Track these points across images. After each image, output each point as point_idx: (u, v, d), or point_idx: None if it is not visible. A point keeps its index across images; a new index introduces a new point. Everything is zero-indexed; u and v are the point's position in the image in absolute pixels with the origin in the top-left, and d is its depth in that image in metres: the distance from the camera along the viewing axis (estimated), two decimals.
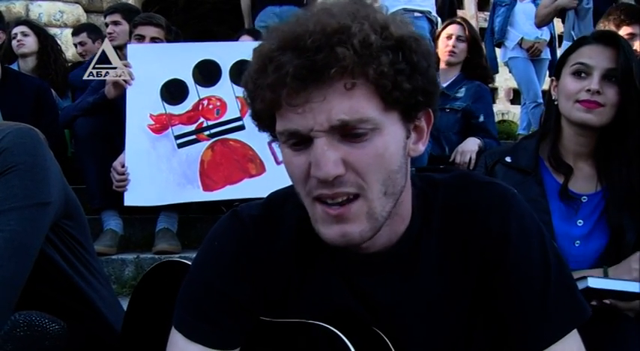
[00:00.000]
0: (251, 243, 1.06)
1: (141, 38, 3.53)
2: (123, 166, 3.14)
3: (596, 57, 1.69)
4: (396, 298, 1.05)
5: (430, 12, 4.08)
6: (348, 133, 0.88)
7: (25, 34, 4.42)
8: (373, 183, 0.91)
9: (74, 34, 5.38)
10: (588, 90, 1.67)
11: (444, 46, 3.65)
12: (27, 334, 1.18)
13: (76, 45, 5.26)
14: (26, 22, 4.69)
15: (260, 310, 1.07)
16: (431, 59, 0.94)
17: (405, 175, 0.97)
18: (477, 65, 3.67)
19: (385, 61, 0.86)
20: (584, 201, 1.74)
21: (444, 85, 3.54)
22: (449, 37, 3.64)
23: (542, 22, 4.70)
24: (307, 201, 0.95)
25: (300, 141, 0.91)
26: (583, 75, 1.70)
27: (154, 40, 3.52)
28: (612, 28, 2.78)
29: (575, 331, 1.03)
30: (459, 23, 3.71)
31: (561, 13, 4.39)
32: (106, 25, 4.40)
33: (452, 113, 3.49)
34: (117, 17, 4.28)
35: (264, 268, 1.06)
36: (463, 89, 3.56)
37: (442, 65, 3.66)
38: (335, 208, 0.91)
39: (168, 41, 3.57)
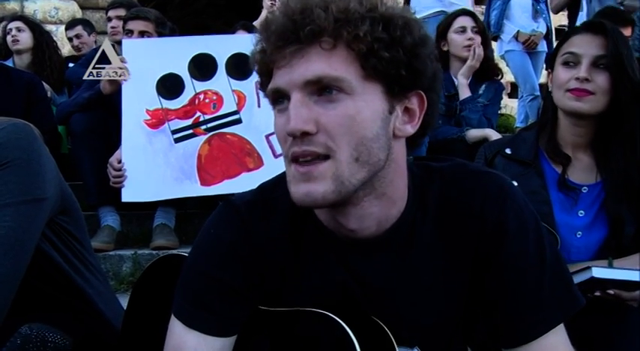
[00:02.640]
0: (246, 229, 1.07)
1: (130, 33, 3.51)
2: (119, 162, 3.12)
3: (584, 45, 1.71)
4: (391, 281, 1.06)
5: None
6: (322, 92, 0.93)
7: (19, 30, 4.39)
8: (343, 145, 0.92)
9: (68, 28, 5.35)
10: (577, 78, 1.68)
11: (460, 41, 3.32)
12: (39, 350, 1.17)
13: (71, 38, 5.23)
14: (21, 17, 4.65)
15: (257, 297, 1.08)
16: (423, 40, 0.97)
17: (386, 150, 0.98)
18: (486, 59, 3.36)
19: (362, 28, 0.91)
20: (584, 191, 1.73)
21: (465, 81, 3.30)
22: (462, 31, 3.33)
23: (558, 8, 4.68)
24: (286, 163, 0.97)
25: (282, 99, 0.96)
26: (572, 64, 1.72)
27: (142, 33, 3.49)
28: None
29: (561, 326, 1.04)
30: (467, 14, 3.43)
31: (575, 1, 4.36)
32: (109, 19, 4.35)
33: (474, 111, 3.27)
34: (122, 12, 4.23)
35: (261, 253, 1.07)
36: (483, 86, 3.38)
37: (456, 63, 3.37)
38: (303, 167, 0.94)
39: (160, 34, 3.54)
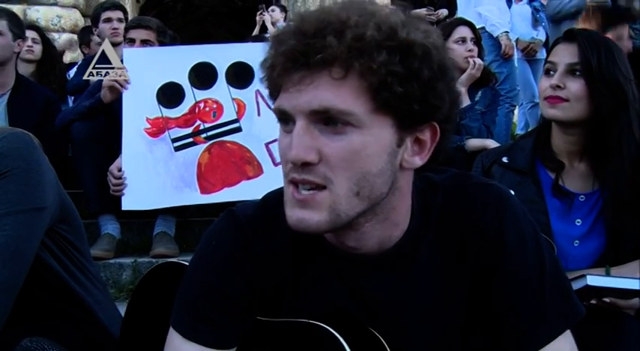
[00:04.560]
0: (247, 242, 1.06)
1: (132, 42, 3.52)
2: (119, 170, 3.13)
3: (559, 54, 1.74)
4: (393, 297, 1.05)
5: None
6: (328, 123, 0.90)
7: (35, 41, 4.41)
8: (343, 179, 0.91)
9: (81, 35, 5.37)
10: (551, 86, 1.71)
11: (460, 52, 3.28)
12: None
13: (81, 46, 5.20)
14: (37, 28, 4.67)
15: (257, 310, 1.07)
16: (443, 72, 0.93)
17: (389, 184, 0.95)
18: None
19: (377, 59, 0.86)
20: (581, 200, 1.74)
21: (463, 90, 3.27)
22: (462, 41, 3.32)
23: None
24: (285, 183, 0.96)
25: (288, 121, 0.93)
26: (551, 73, 1.74)
27: (144, 42, 3.50)
28: (595, 29, 2.80)
29: (568, 331, 1.04)
30: (466, 24, 3.42)
31: None
32: (109, 20, 4.28)
33: (474, 120, 3.27)
34: (121, 14, 4.26)
35: (261, 267, 1.06)
36: (479, 93, 3.37)
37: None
38: (301, 193, 0.92)
39: (162, 43, 3.56)
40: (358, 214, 0.94)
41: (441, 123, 0.96)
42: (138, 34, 3.52)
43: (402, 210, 1.03)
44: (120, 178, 3.11)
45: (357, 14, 0.89)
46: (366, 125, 0.89)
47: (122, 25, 4.14)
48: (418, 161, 0.98)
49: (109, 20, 4.25)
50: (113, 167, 3.14)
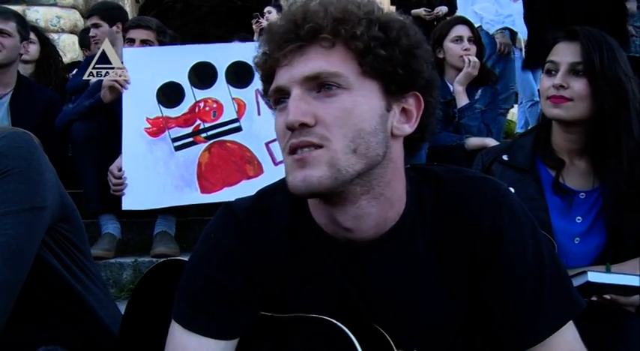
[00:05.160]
0: (245, 233, 1.08)
1: (131, 42, 3.52)
2: (120, 170, 3.13)
3: (561, 53, 1.74)
4: (389, 286, 1.06)
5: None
6: (320, 89, 0.97)
7: (31, 41, 4.41)
8: (339, 137, 0.95)
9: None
10: (554, 85, 1.70)
11: (456, 51, 3.32)
12: None
13: (82, 48, 5.22)
14: (34, 28, 4.67)
15: (258, 302, 1.09)
16: (419, 43, 1.01)
17: (384, 147, 1.00)
18: (480, 65, 3.35)
19: (359, 27, 0.96)
20: (582, 197, 1.74)
21: (461, 89, 3.29)
22: (459, 40, 3.33)
23: None
24: (285, 157, 1.00)
25: (283, 98, 1.00)
26: (553, 72, 1.74)
27: (144, 42, 3.50)
28: None
29: (571, 323, 1.05)
30: (464, 23, 3.44)
31: None
32: (91, 27, 4.33)
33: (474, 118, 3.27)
34: (95, 19, 4.24)
35: (260, 258, 1.08)
36: (479, 92, 3.38)
37: (451, 71, 3.36)
38: (299, 154, 0.96)
39: (161, 43, 3.55)
40: (357, 173, 0.97)
41: (423, 93, 1.02)
42: (137, 34, 3.52)
43: (397, 187, 1.05)
44: (120, 177, 3.11)
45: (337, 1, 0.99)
46: (355, 87, 0.97)
47: (99, 30, 4.15)
48: (408, 129, 1.04)
49: (92, 26, 4.29)
50: (113, 167, 3.14)
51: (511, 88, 5.25)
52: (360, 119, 0.96)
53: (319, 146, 0.95)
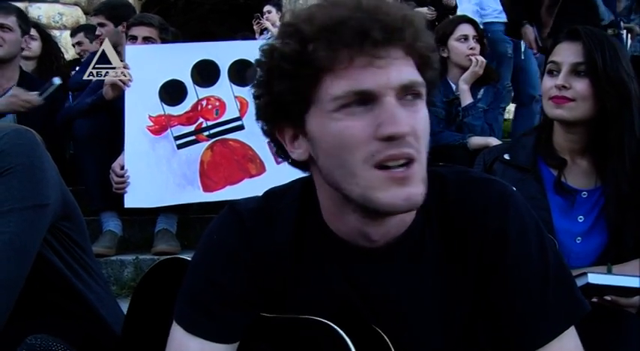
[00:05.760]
0: (249, 235, 1.07)
1: (134, 39, 3.52)
2: (122, 168, 3.14)
3: (563, 53, 1.73)
4: (395, 291, 1.05)
5: None
6: (408, 95, 0.93)
7: (33, 38, 4.41)
8: (423, 148, 0.94)
9: (72, 34, 5.42)
10: (556, 86, 1.70)
11: (462, 50, 3.31)
12: None
13: (74, 45, 5.29)
14: (35, 25, 4.67)
15: (259, 304, 1.08)
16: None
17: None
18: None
19: (428, 38, 0.95)
20: (584, 196, 1.74)
21: (466, 87, 3.30)
22: (464, 39, 3.32)
23: None
24: (364, 169, 0.92)
25: (359, 102, 0.91)
26: (555, 73, 1.73)
27: (146, 39, 3.50)
28: None
29: (572, 328, 1.04)
30: (468, 22, 3.44)
31: None
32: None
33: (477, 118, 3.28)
34: (101, 19, 4.26)
35: (263, 261, 1.06)
36: (482, 91, 3.37)
37: (455, 70, 3.36)
38: (400, 170, 0.91)
39: (164, 40, 3.55)
40: None
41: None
42: (140, 31, 3.52)
43: None
44: (122, 176, 3.11)
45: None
46: (424, 97, 0.96)
47: (104, 29, 4.17)
48: None
49: (98, 25, 4.32)
50: (115, 165, 3.15)
51: (508, 86, 5.23)
52: (428, 129, 0.96)
53: (412, 160, 0.92)
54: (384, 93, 0.90)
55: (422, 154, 0.93)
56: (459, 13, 4.88)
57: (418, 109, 0.94)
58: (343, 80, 0.90)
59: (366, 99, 0.91)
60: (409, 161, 0.91)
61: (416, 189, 0.92)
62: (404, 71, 0.92)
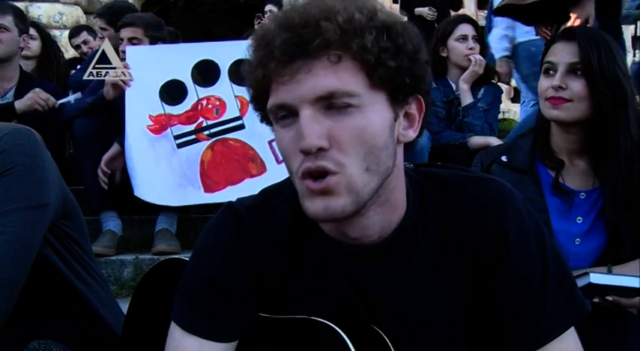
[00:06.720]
0: (246, 234, 1.07)
1: (122, 41, 3.52)
2: (109, 161, 3.14)
3: (559, 53, 1.72)
4: (392, 289, 1.05)
5: None
6: (332, 105, 0.91)
7: (32, 37, 4.41)
8: (354, 158, 0.92)
9: (72, 36, 5.40)
10: (552, 86, 1.70)
11: (461, 50, 3.33)
12: None
13: (78, 46, 5.27)
14: (35, 24, 4.67)
15: (257, 302, 1.08)
16: (420, 45, 0.97)
17: (393, 157, 0.98)
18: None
19: (369, 38, 0.90)
20: (582, 197, 1.73)
21: (466, 87, 3.30)
22: (463, 38, 3.33)
23: None
24: (296, 179, 0.95)
25: (287, 114, 0.94)
26: (551, 73, 1.73)
27: (131, 40, 3.48)
28: None
29: (572, 328, 1.04)
30: (468, 21, 3.43)
31: None
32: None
33: (477, 117, 3.29)
34: (102, 23, 4.28)
35: (261, 259, 1.06)
36: (482, 90, 3.38)
37: (455, 70, 3.37)
38: (316, 183, 0.92)
39: (154, 39, 3.53)
40: (373, 192, 0.95)
41: (423, 95, 1.00)
42: (125, 33, 3.52)
43: (400, 192, 1.04)
44: (105, 172, 3.13)
45: (338, 2, 0.92)
46: (365, 103, 0.92)
47: (105, 33, 4.17)
48: (412, 134, 1.01)
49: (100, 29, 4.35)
50: (105, 157, 3.16)
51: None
52: (372, 136, 0.92)
53: (328, 173, 0.91)
54: (299, 106, 0.91)
55: (349, 165, 0.91)
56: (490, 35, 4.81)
57: (347, 117, 0.91)
58: (273, 93, 0.94)
59: (291, 112, 0.93)
60: (326, 174, 0.91)
61: (335, 201, 0.92)
62: (322, 82, 0.90)
